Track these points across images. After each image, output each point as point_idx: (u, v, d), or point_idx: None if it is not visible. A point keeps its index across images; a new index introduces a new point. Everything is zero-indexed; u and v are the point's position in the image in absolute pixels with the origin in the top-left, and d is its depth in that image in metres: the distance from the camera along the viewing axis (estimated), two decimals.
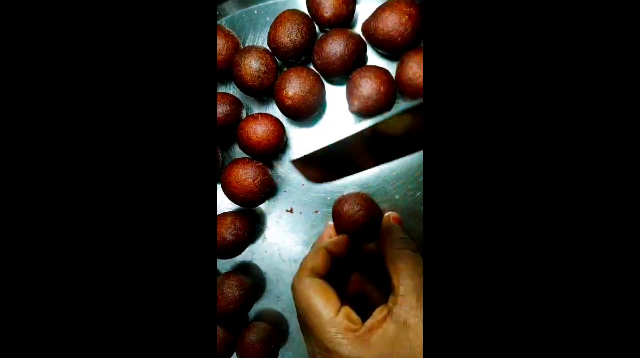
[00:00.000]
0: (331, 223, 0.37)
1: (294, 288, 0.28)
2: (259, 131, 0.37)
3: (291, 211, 0.41)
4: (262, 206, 0.42)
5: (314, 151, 0.23)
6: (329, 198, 0.41)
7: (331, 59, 0.37)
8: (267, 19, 0.42)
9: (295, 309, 0.41)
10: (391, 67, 0.39)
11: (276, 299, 0.42)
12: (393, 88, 0.37)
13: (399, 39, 0.36)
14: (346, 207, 0.35)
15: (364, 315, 0.27)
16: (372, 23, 0.37)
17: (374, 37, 0.37)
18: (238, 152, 0.41)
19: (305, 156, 0.23)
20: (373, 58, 0.41)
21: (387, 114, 0.19)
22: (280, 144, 0.39)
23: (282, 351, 0.42)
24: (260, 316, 0.42)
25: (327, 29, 0.39)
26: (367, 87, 0.36)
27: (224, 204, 0.42)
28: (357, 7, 0.41)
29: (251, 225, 0.39)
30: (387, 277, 0.28)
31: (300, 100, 0.37)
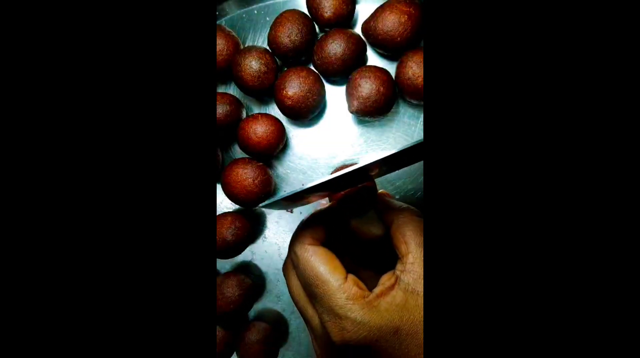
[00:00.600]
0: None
1: (296, 256, 0.27)
2: (259, 131, 0.37)
3: (291, 211, 0.42)
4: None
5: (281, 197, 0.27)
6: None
7: (331, 59, 0.37)
8: (267, 19, 0.42)
9: (295, 309, 0.41)
10: (391, 67, 0.39)
11: (276, 299, 0.42)
12: (393, 88, 0.37)
13: (399, 39, 0.36)
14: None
15: None
16: (371, 23, 0.37)
17: (374, 37, 0.37)
18: (238, 152, 0.41)
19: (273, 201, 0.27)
20: (373, 58, 0.41)
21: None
22: (280, 144, 0.39)
23: (282, 351, 0.42)
24: (260, 316, 0.42)
25: (327, 29, 0.39)
26: (367, 87, 0.36)
27: (224, 204, 0.42)
28: (357, 7, 0.41)
29: (251, 224, 0.40)
30: (391, 245, 0.28)
31: (300, 100, 0.37)
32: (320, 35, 0.40)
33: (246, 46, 0.41)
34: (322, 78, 0.39)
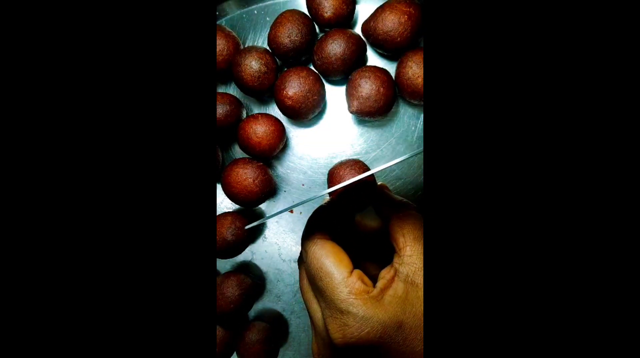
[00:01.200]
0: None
1: (304, 250, 0.28)
2: (259, 131, 0.37)
3: (291, 211, 0.42)
4: (262, 206, 0.42)
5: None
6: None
7: (331, 59, 0.37)
8: (267, 19, 0.42)
9: (295, 309, 0.42)
10: (391, 68, 0.39)
11: (276, 299, 0.42)
12: (392, 88, 0.37)
13: (398, 39, 0.36)
14: (342, 171, 0.37)
15: None
16: (371, 23, 0.37)
17: (374, 37, 0.37)
18: (238, 152, 0.41)
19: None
20: (373, 58, 0.41)
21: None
22: (280, 144, 0.39)
23: (282, 351, 0.42)
24: (260, 316, 0.42)
25: (327, 29, 0.39)
26: (367, 87, 0.36)
27: (224, 204, 0.42)
28: (357, 7, 0.41)
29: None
30: (389, 238, 0.28)
31: (300, 100, 0.37)
32: (320, 35, 0.40)
33: (246, 46, 0.41)
34: (322, 78, 0.39)
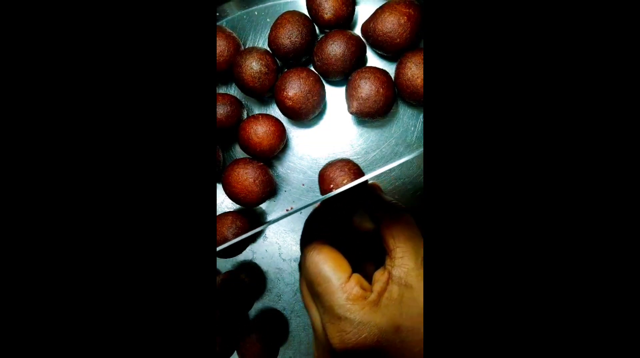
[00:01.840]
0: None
1: (303, 255, 0.27)
2: (259, 131, 0.37)
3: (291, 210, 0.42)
4: (263, 206, 0.42)
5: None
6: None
7: (331, 60, 0.37)
8: (268, 20, 0.42)
9: (295, 309, 0.42)
10: (390, 68, 0.40)
11: (276, 299, 0.42)
12: (392, 89, 0.37)
13: (398, 40, 0.36)
14: (332, 173, 0.37)
15: None
16: (371, 24, 0.37)
17: (373, 38, 0.37)
18: (239, 152, 0.42)
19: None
20: (373, 59, 0.41)
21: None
22: (280, 144, 0.39)
23: (282, 351, 0.42)
24: (260, 316, 0.42)
25: (327, 30, 0.39)
26: (367, 88, 0.36)
27: (224, 204, 0.42)
28: (357, 8, 0.41)
29: (252, 224, 0.40)
30: (380, 240, 0.28)
31: (300, 101, 0.37)
32: (321, 36, 0.40)
33: (247, 47, 0.41)
34: (322, 79, 0.39)
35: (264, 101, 0.42)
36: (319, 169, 0.41)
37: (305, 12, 0.40)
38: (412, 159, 0.40)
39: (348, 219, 0.32)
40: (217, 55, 0.39)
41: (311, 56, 0.40)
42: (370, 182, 0.34)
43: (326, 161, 0.41)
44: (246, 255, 0.42)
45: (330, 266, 0.26)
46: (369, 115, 0.37)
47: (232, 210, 0.41)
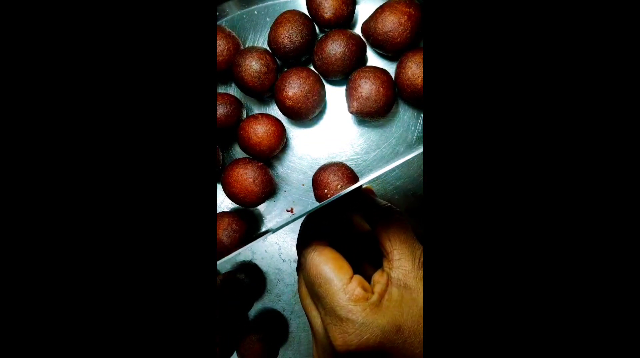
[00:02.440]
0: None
1: (302, 257, 0.27)
2: (259, 131, 0.37)
3: (291, 211, 0.42)
4: (262, 206, 0.42)
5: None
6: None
7: (331, 60, 0.37)
8: (268, 19, 0.42)
9: (295, 309, 0.42)
10: (391, 68, 0.40)
11: (276, 299, 0.42)
12: (392, 89, 0.37)
13: (398, 39, 0.36)
14: (326, 178, 0.36)
15: None
16: (371, 24, 0.37)
17: (374, 37, 0.37)
18: (238, 152, 0.42)
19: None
20: (373, 59, 0.41)
21: None
22: (280, 144, 0.39)
23: (282, 351, 0.42)
24: (260, 316, 0.42)
25: (327, 30, 0.39)
26: (367, 87, 0.36)
27: (224, 204, 0.42)
28: (357, 7, 0.41)
29: (251, 224, 0.40)
30: (377, 243, 0.28)
31: (300, 100, 0.37)
32: (321, 35, 0.40)
33: (246, 46, 0.41)
34: (322, 79, 0.39)
35: (263, 101, 0.42)
36: None
37: (305, 11, 0.40)
38: (412, 159, 0.40)
39: (345, 221, 0.32)
40: (217, 54, 0.39)
41: (311, 56, 0.40)
42: (363, 186, 0.34)
43: (326, 161, 0.41)
44: (246, 255, 0.42)
45: (331, 268, 0.25)
46: (369, 115, 0.37)
47: (230, 211, 0.41)
